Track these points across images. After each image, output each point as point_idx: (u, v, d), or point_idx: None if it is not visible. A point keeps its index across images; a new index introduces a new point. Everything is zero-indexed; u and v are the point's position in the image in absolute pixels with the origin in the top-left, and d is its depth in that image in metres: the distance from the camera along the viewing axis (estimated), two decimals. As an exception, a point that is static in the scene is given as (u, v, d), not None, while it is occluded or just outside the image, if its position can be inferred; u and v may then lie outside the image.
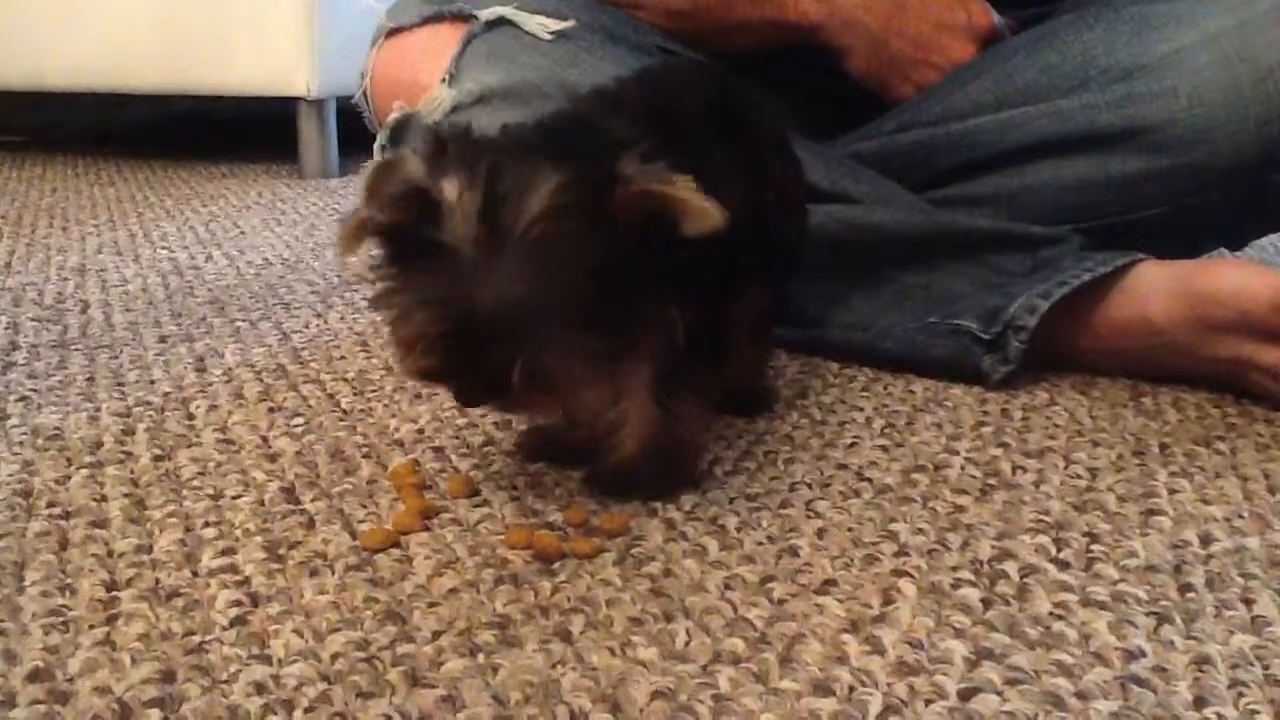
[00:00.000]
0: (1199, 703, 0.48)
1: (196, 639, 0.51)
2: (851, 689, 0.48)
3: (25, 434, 0.76)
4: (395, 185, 0.57)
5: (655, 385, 0.65)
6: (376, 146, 1.04)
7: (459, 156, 0.57)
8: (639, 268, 0.56)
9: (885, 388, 0.89)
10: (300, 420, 0.79)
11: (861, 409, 0.83)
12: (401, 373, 0.69)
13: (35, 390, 0.85)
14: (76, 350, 0.96)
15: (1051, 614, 0.55)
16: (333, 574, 0.57)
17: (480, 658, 0.50)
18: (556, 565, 0.58)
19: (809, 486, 0.69)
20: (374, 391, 0.85)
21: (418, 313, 0.56)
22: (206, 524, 0.63)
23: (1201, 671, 0.50)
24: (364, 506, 0.65)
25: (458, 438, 0.76)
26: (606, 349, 0.58)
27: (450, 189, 0.56)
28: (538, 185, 0.55)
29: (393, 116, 1.01)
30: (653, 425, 0.65)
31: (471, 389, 0.60)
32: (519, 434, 0.74)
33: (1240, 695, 0.48)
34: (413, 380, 0.67)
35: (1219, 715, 0.47)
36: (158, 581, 0.56)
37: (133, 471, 0.70)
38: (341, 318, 1.06)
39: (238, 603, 0.54)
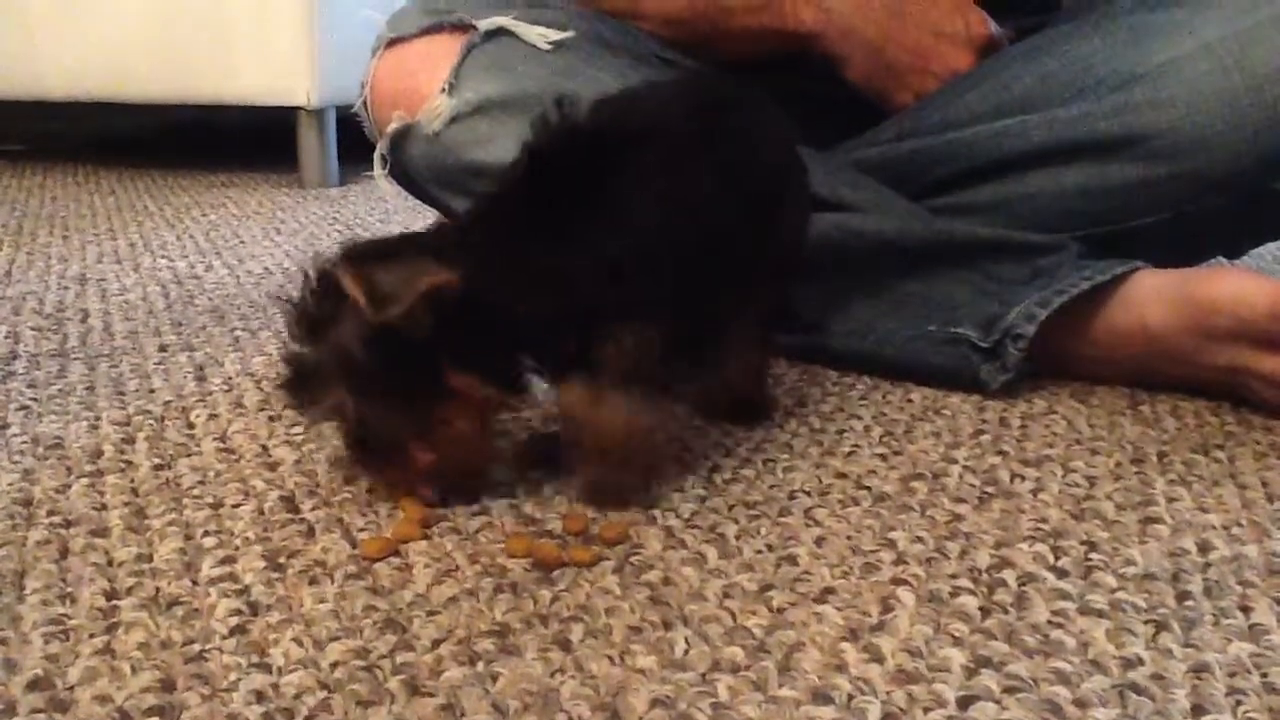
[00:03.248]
0: (1197, 710, 0.48)
1: (196, 647, 0.51)
2: (850, 697, 0.48)
3: (25, 443, 0.76)
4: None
5: (623, 389, 0.64)
6: (376, 156, 1.04)
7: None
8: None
9: (884, 396, 0.89)
10: (300, 429, 0.79)
11: (860, 417, 0.83)
12: None
13: (35, 399, 0.85)
14: (77, 359, 0.96)
15: (1050, 622, 0.55)
16: (332, 582, 0.57)
17: (479, 666, 0.50)
18: (556, 574, 0.58)
19: (808, 494, 0.69)
20: (374, 400, 0.85)
21: None
22: (206, 533, 0.63)
23: (1200, 679, 0.50)
24: (363, 515, 0.65)
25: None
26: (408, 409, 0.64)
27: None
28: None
29: (393, 126, 1.01)
30: (613, 431, 0.65)
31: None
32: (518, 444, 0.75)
33: (1238, 703, 0.48)
34: None
35: (1217, 723, 0.47)
36: (158, 590, 0.56)
37: (133, 480, 0.70)
38: (341, 326, 1.06)
39: (237, 611, 0.54)
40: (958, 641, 0.53)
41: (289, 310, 0.65)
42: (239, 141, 2.41)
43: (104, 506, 0.66)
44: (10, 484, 0.69)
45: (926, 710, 0.47)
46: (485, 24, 1.00)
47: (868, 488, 0.70)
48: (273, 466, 0.72)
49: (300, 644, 0.51)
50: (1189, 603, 0.57)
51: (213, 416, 0.82)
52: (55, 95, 2.11)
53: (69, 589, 0.56)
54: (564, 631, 0.53)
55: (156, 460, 0.73)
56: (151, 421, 0.81)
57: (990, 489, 0.71)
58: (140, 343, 1.01)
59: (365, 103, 1.06)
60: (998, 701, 0.48)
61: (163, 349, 0.99)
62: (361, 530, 0.63)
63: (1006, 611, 0.56)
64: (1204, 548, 0.63)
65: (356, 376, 0.62)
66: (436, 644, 0.52)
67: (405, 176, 1.05)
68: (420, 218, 1.63)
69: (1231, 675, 0.50)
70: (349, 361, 0.62)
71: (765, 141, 0.77)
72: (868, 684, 0.49)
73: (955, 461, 0.75)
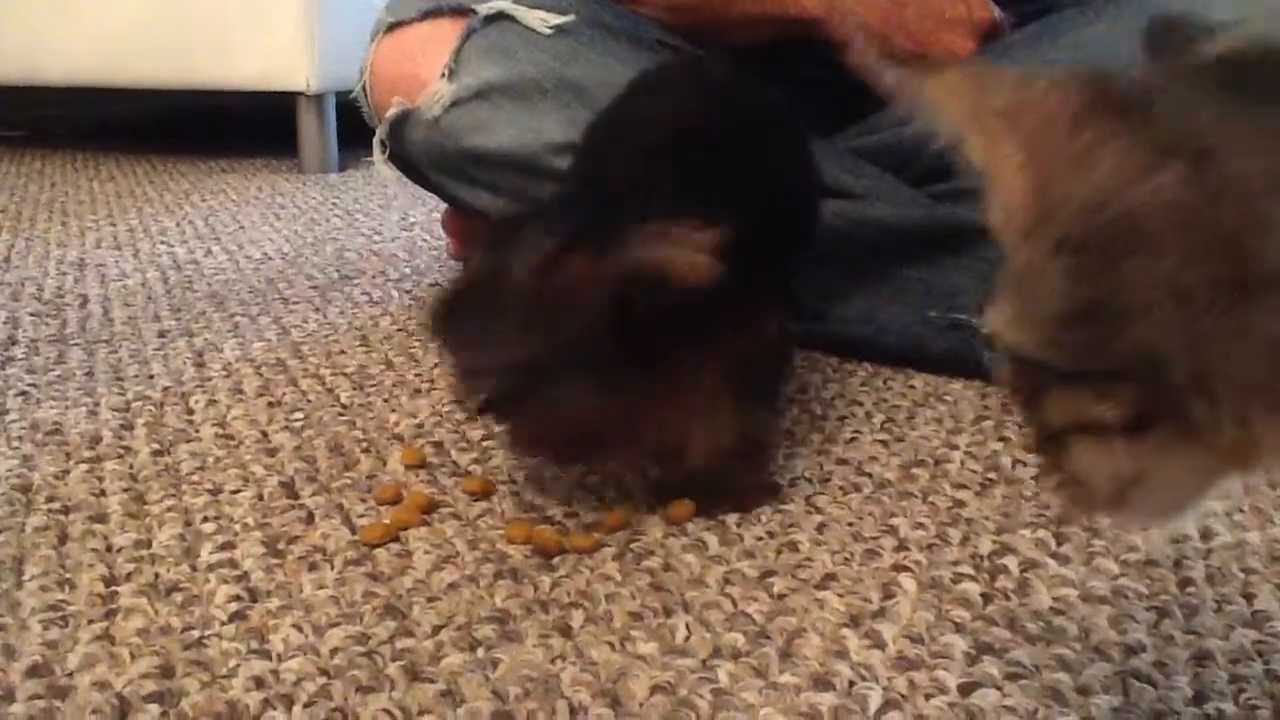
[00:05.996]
0: (1199, 698, 0.48)
1: (196, 634, 0.51)
2: (851, 683, 0.48)
3: (24, 429, 0.76)
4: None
5: (732, 389, 0.63)
6: (376, 141, 1.04)
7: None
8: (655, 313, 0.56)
9: (885, 382, 0.89)
10: (299, 415, 0.79)
11: (861, 404, 0.83)
12: None
13: (34, 385, 0.85)
14: (75, 345, 0.96)
15: (1052, 608, 0.55)
16: (332, 569, 0.57)
17: (480, 652, 0.50)
18: (556, 560, 0.58)
19: (809, 481, 0.69)
20: (373, 386, 0.85)
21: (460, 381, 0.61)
22: (205, 519, 0.63)
23: (1202, 666, 0.50)
24: (363, 501, 0.65)
25: (457, 432, 0.76)
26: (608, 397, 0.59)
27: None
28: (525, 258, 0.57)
29: (392, 111, 1.01)
30: (726, 431, 0.63)
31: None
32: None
33: (1240, 690, 0.48)
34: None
35: (1219, 710, 0.47)
36: (157, 576, 0.56)
37: (132, 466, 0.70)
38: (341, 312, 1.06)
39: (237, 597, 0.54)
40: (959, 628, 0.53)
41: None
42: (239, 127, 2.41)
43: (103, 492, 0.66)
44: (9, 470, 0.69)
45: (928, 697, 0.47)
46: (485, 8, 0.99)
47: (869, 474, 0.70)
48: (272, 452, 0.72)
49: (300, 630, 0.51)
50: (1191, 589, 0.57)
51: (212, 402, 0.81)
52: (55, 81, 2.10)
53: (68, 575, 0.56)
54: (564, 618, 0.53)
55: (155, 446, 0.73)
56: (150, 407, 0.80)
57: (992, 475, 0.70)
58: (139, 328, 1.01)
59: (365, 88, 1.05)
60: (999, 688, 0.48)
61: (162, 335, 0.99)
62: (361, 516, 0.63)
63: (1008, 598, 0.56)
64: (1206, 534, 0.63)
65: None
66: (436, 630, 0.52)
67: (405, 162, 1.04)
68: (419, 203, 1.63)
69: (1234, 662, 0.50)
70: None
71: (782, 128, 0.77)
72: (869, 670, 0.49)
73: (957, 448, 0.75)
